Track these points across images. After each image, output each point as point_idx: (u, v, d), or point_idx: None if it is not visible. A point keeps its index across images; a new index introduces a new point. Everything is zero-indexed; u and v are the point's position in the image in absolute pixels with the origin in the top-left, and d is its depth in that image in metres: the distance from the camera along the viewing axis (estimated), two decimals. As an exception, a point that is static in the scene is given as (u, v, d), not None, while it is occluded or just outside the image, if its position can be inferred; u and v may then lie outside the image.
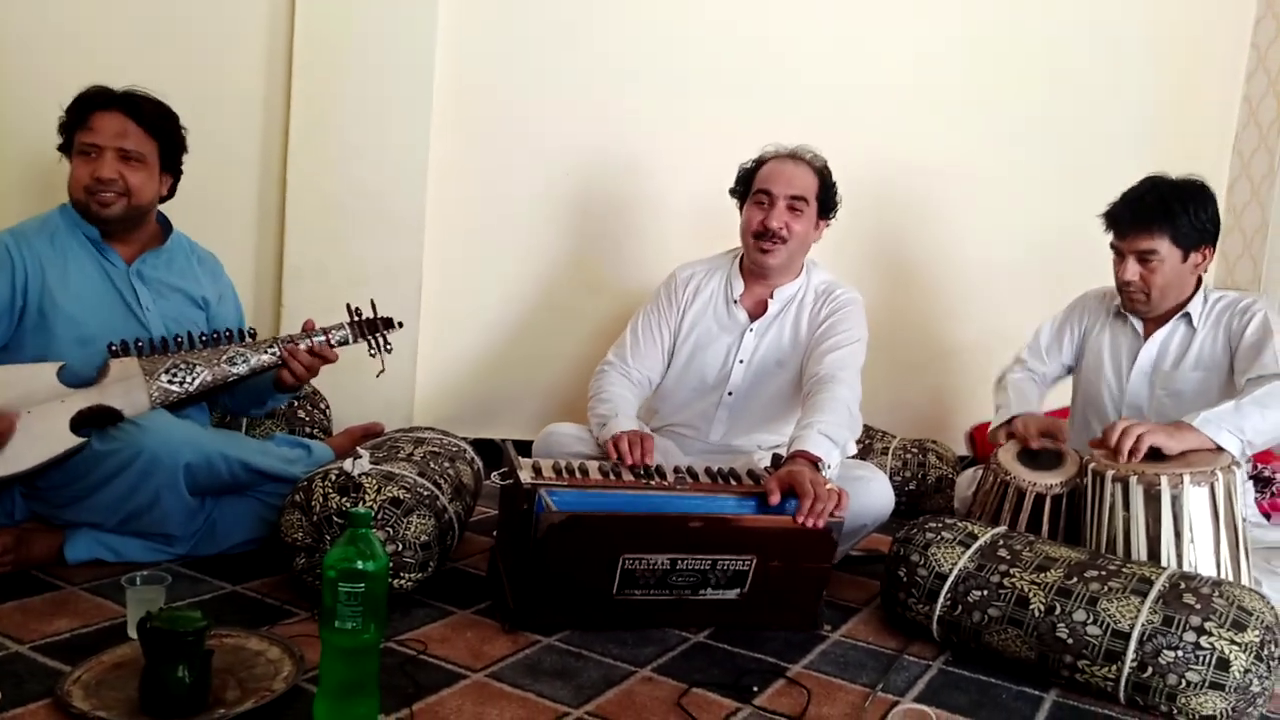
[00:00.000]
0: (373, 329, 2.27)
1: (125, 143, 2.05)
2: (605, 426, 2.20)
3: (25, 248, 2.02)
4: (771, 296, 2.39)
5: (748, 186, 2.40)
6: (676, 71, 3.11)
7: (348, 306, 2.27)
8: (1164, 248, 2.24)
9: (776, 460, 2.00)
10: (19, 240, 2.02)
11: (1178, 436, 2.00)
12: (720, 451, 2.37)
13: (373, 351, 2.26)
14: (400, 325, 2.32)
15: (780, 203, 2.31)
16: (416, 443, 2.25)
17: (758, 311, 2.40)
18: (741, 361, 2.38)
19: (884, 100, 3.29)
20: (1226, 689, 1.55)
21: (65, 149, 2.10)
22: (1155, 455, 2.00)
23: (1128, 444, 1.98)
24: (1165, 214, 2.22)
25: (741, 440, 2.41)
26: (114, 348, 2.01)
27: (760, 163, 2.40)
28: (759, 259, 2.34)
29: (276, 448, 2.24)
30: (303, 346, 2.16)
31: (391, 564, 1.82)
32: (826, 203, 2.37)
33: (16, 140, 2.53)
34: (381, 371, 2.25)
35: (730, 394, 2.39)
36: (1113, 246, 2.34)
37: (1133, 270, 2.28)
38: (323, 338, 2.20)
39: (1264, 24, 3.71)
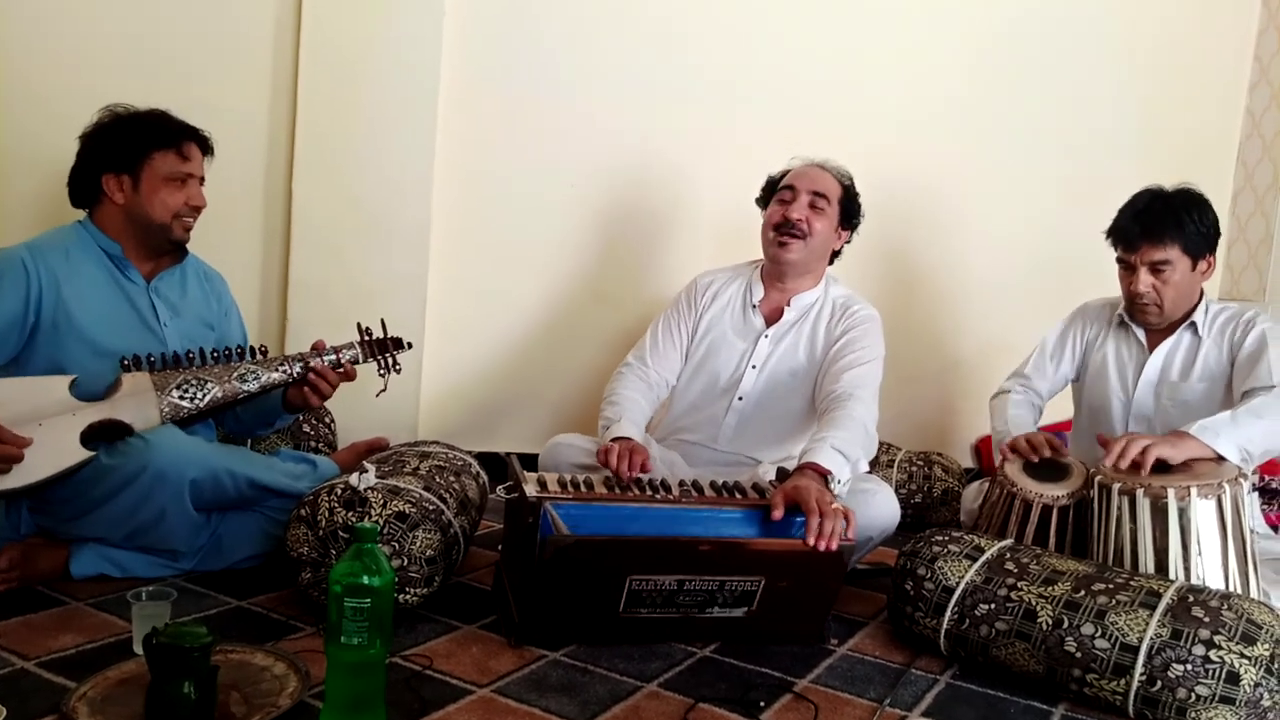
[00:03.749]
0: (383, 349, 2.29)
1: (203, 172, 2.18)
2: (608, 430, 2.21)
3: (41, 263, 2.01)
4: (789, 304, 2.40)
5: (773, 191, 2.43)
6: (685, 81, 3.11)
7: (358, 326, 2.28)
8: (1176, 257, 2.26)
9: (782, 474, 2.00)
10: (35, 255, 2.02)
11: (1180, 446, 2.00)
12: (727, 464, 2.36)
13: (382, 371, 2.28)
14: (409, 346, 2.34)
15: (803, 196, 2.34)
16: (422, 457, 2.25)
17: (775, 318, 2.41)
18: (754, 367, 2.39)
19: (887, 113, 3.28)
20: (1237, 703, 1.54)
21: (127, 166, 2.07)
22: (1160, 466, 2.00)
23: (1130, 456, 1.98)
24: (1176, 223, 2.25)
25: (749, 451, 2.40)
26: (126, 362, 2.01)
27: (788, 171, 2.45)
28: (777, 253, 2.36)
29: (282, 463, 2.24)
30: (314, 364, 2.17)
31: (397, 579, 1.81)
32: (849, 211, 2.41)
33: (19, 156, 2.53)
34: (383, 391, 2.26)
35: (741, 399, 2.39)
36: (1121, 260, 2.34)
37: (1145, 282, 2.28)
38: (334, 356, 2.20)
39: (1266, 36, 3.72)
